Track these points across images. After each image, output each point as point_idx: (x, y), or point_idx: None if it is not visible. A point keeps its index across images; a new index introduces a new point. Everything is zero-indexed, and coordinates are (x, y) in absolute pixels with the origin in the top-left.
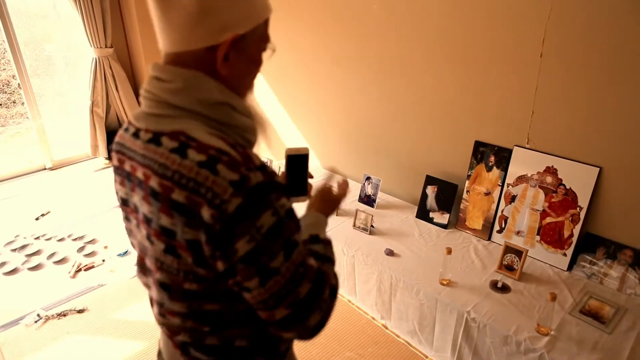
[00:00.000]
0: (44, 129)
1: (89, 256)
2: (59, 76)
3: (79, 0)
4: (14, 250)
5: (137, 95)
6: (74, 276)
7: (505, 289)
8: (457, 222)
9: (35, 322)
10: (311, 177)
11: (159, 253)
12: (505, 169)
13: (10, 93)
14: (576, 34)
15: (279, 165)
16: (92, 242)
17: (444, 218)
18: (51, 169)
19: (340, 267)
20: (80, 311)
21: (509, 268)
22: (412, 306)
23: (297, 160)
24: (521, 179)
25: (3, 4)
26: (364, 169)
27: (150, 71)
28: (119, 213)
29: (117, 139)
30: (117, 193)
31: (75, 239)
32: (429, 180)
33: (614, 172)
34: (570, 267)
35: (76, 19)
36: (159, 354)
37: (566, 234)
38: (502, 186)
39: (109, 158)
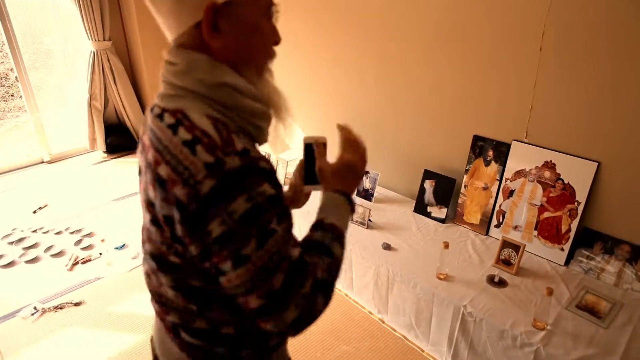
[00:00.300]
0: (42, 122)
1: (86, 249)
2: (57, 69)
3: None
4: (11, 243)
5: (135, 88)
6: (71, 269)
7: (502, 283)
8: (454, 217)
9: (32, 315)
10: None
11: (147, 223)
12: (503, 164)
13: (8, 86)
14: (576, 28)
15: (276, 159)
16: (89, 235)
17: (441, 212)
18: (49, 162)
19: None
20: (77, 304)
21: (506, 263)
22: (409, 300)
23: (315, 149)
24: (519, 173)
25: None
26: None
27: (164, 55)
28: (117, 207)
29: (146, 113)
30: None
31: (72, 232)
32: (427, 174)
33: (612, 167)
34: (567, 262)
35: (74, 12)
36: (152, 340)
37: (564, 228)
38: (500, 181)
39: (107, 151)
